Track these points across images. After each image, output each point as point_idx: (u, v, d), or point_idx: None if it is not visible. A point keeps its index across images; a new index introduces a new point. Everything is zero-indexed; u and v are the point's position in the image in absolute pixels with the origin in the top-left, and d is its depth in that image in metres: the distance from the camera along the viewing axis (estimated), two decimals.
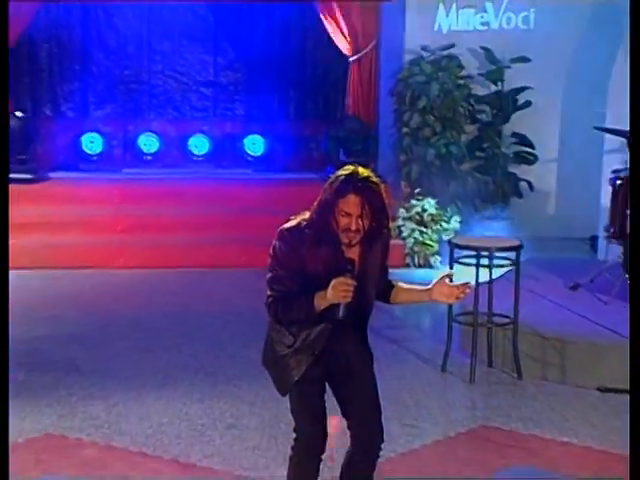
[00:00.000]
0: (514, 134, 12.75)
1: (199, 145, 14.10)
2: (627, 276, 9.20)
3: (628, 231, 9.37)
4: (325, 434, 5.33)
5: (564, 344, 8.37)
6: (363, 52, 13.24)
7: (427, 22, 12.68)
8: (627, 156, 9.71)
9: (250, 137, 14.07)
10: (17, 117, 13.01)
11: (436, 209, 12.05)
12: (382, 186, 4.99)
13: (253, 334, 9.14)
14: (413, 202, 12.14)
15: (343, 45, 13.29)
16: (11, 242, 11.46)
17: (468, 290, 5.15)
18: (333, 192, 4.94)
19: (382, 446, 5.36)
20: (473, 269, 8.22)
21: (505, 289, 8.52)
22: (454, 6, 12.71)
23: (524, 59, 12.42)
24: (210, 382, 8.26)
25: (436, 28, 12.73)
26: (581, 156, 12.43)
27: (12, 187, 12.37)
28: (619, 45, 11.48)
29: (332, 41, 13.33)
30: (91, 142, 13.83)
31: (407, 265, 11.74)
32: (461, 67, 12.53)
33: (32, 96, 13.71)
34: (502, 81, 12.59)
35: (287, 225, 5.07)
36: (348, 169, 4.99)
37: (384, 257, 5.28)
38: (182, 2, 13.74)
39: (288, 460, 5.41)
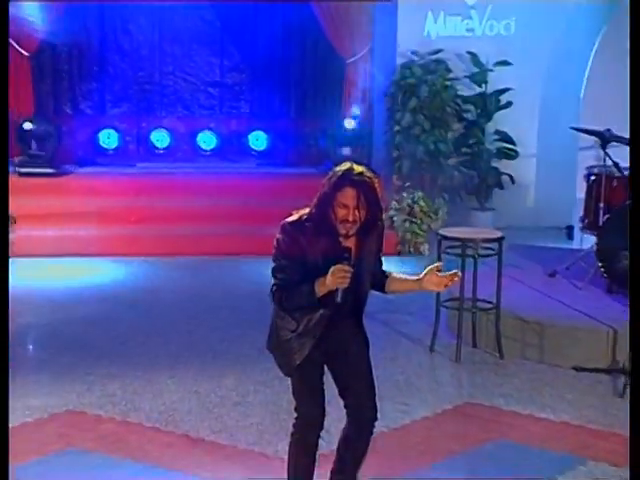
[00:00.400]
0: (497, 131, 12.74)
1: (207, 141, 14.07)
2: (600, 264, 9.22)
3: (600, 223, 9.41)
4: (323, 412, 5.35)
5: (542, 327, 8.39)
6: (358, 56, 13.22)
7: (417, 29, 12.66)
8: (600, 152, 9.76)
9: (254, 133, 14.04)
10: (41, 115, 13.06)
11: (425, 201, 12.05)
12: (376, 180, 5.04)
13: (257, 318, 9.06)
14: (404, 195, 12.14)
15: (340, 49, 13.27)
16: (35, 232, 11.68)
17: (457, 279, 5.20)
18: (331, 186, 4.99)
19: (375, 423, 5.40)
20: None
21: (488, 276, 8.53)
22: (442, 14, 12.68)
23: (506, 63, 12.41)
24: (218, 363, 8.26)
25: (425, 34, 12.72)
26: (558, 152, 12.43)
27: (36, 180, 12.52)
28: (591, 50, 11.50)
29: (330, 45, 13.31)
30: (108, 138, 13.80)
31: (399, 253, 11.73)
32: (448, 70, 12.51)
33: (54, 96, 13.67)
34: (486, 83, 12.58)
35: (289, 219, 5.11)
36: (345, 165, 5.04)
37: (379, 247, 5.31)
38: (191, 9, 13.69)
39: (290, 436, 5.45)
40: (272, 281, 5.12)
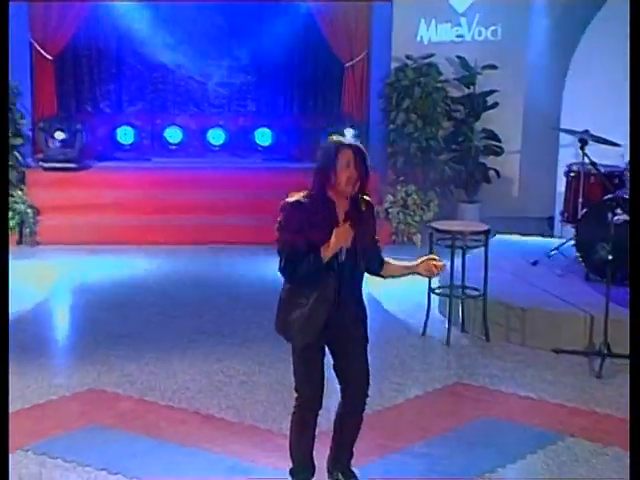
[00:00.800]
0: (484, 130, 12.72)
1: (216, 137, 14.03)
2: (578, 254, 9.24)
3: (579, 216, 9.43)
4: (322, 393, 5.39)
5: (525, 312, 8.43)
6: (356, 59, 13.18)
7: (410, 35, 12.62)
8: (578, 150, 9.76)
9: (260, 130, 14.00)
10: (63, 114, 13.05)
11: (417, 194, 12.07)
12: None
13: (263, 302, 9.14)
14: (398, 188, 12.15)
15: (340, 53, 13.25)
16: (57, 221, 11.70)
17: (443, 268, 5.37)
18: (331, 152, 5.15)
19: (369, 401, 5.49)
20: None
21: (476, 265, 8.55)
22: (433, 21, 12.66)
23: (492, 66, 12.38)
24: (226, 344, 8.29)
25: (418, 40, 12.68)
26: (540, 149, 12.41)
27: (59, 174, 12.51)
28: (572, 55, 11.50)
29: (330, 50, 13.28)
30: (125, 134, 13.75)
31: (393, 242, 11.73)
32: (439, 73, 12.48)
33: (75, 96, 13.62)
34: (474, 85, 12.56)
35: (288, 199, 5.18)
36: (333, 138, 5.30)
37: (373, 229, 5.37)
38: (202, 14, 13.65)
39: (291, 415, 5.49)
40: (280, 259, 5.18)
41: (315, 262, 5.09)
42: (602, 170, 9.63)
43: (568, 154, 10.95)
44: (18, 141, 11.96)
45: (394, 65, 12.63)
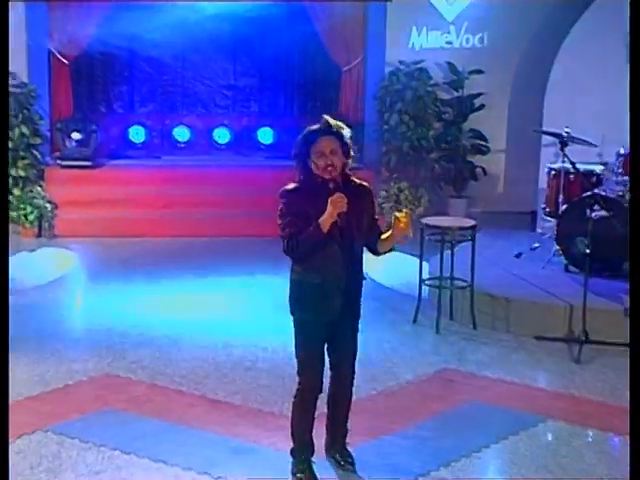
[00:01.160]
0: (471, 130, 12.72)
1: (222, 136, 14.02)
2: (559, 247, 9.27)
3: (560, 212, 9.43)
4: (322, 378, 5.44)
5: (509, 302, 8.44)
6: (353, 64, 13.16)
7: (403, 41, 12.61)
8: (558, 149, 9.78)
9: (262, 129, 13.99)
10: (79, 115, 13.04)
11: (409, 190, 12.09)
12: (347, 130, 5.24)
13: (266, 291, 9.25)
14: (392, 184, 12.17)
15: (337, 59, 13.24)
16: (75, 216, 11.72)
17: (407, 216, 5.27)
18: (304, 141, 5.18)
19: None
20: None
21: (464, 258, 8.56)
22: (424, 29, 12.64)
23: (479, 71, 12.38)
24: (231, 332, 8.26)
25: (410, 46, 12.67)
26: (523, 148, 12.40)
27: (75, 172, 12.50)
28: (553, 60, 11.50)
29: (328, 56, 13.27)
30: (136, 133, 13.74)
31: None
32: (430, 77, 12.47)
33: (90, 98, 13.60)
34: (462, 88, 12.55)
35: (286, 187, 5.25)
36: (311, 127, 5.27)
37: (371, 200, 5.41)
38: (209, 22, 13.61)
39: (293, 398, 5.52)
40: (284, 240, 5.19)
41: (315, 232, 5.08)
42: (581, 169, 9.66)
43: (549, 153, 10.97)
44: (37, 141, 11.97)
45: (388, 70, 12.62)
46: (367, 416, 6.29)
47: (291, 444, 5.60)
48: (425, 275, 8.74)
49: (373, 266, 6.81)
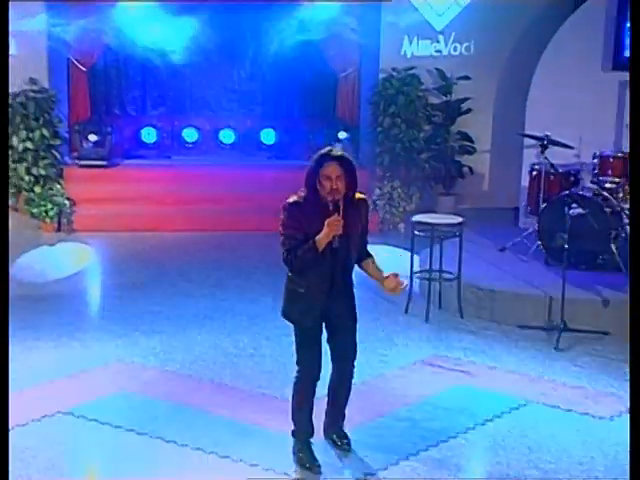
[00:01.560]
0: (459, 132, 12.68)
1: (227, 136, 13.97)
2: (540, 242, 9.28)
3: (540, 209, 9.44)
4: (320, 366, 5.48)
5: (494, 293, 8.45)
6: (349, 71, 13.11)
7: (396, 49, 12.56)
8: (539, 151, 9.81)
9: (265, 130, 13.94)
10: (95, 117, 13.04)
11: (401, 188, 12.10)
12: (351, 159, 5.24)
13: (268, 283, 9.22)
14: (385, 183, 12.17)
15: (334, 65, 13.21)
16: (91, 212, 11.71)
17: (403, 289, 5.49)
18: (315, 163, 5.17)
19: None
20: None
21: (452, 252, 8.57)
22: (416, 38, 12.59)
23: (466, 77, 12.35)
24: (236, 321, 8.29)
25: (402, 54, 12.61)
26: (507, 149, 12.35)
27: (92, 171, 12.48)
28: (535, 66, 11.49)
29: (326, 63, 13.24)
30: (148, 134, 13.70)
31: (380, 230, 11.69)
32: (420, 83, 12.40)
33: (106, 101, 13.57)
34: (450, 93, 12.51)
35: (289, 200, 5.26)
36: (326, 149, 5.26)
37: (364, 224, 5.41)
38: (216, 31, 13.58)
39: (293, 384, 5.55)
40: (283, 251, 5.23)
41: (311, 249, 5.13)
42: (560, 170, 9.72)
43: (531, 154, 10.95)
44: (57, 142, 11.95)
45: (381, 76, 12.57)
46: (362, 400, 6.30)
47: (292, 426, 5.63)
48: (416, 268, 8.73)
49: None
